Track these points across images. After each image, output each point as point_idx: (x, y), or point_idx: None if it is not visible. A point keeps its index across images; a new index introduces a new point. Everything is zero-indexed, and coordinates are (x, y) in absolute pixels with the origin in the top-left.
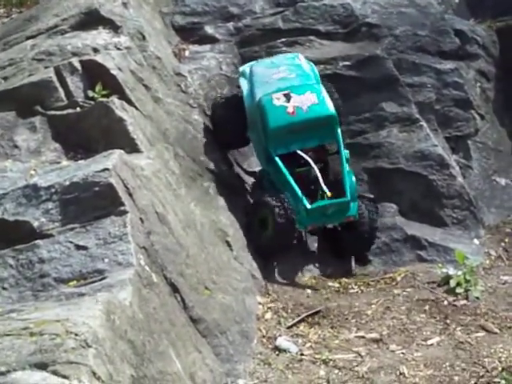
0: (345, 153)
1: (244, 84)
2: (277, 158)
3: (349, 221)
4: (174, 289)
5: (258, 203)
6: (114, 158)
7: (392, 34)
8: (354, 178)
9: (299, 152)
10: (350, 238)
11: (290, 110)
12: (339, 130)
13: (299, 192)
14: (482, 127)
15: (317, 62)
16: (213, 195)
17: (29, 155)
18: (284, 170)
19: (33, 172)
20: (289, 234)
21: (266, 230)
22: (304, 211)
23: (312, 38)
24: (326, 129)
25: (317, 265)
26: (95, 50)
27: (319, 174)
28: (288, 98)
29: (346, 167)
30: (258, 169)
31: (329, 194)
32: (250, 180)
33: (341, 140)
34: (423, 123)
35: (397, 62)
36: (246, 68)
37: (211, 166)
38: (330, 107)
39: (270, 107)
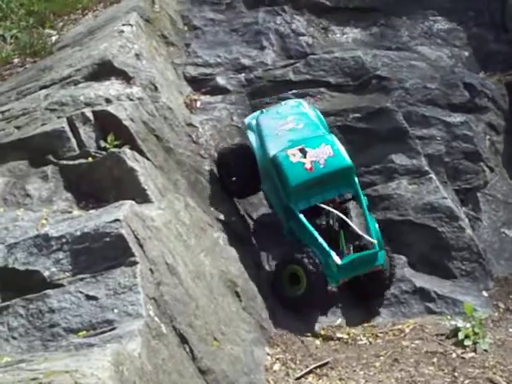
0: (364, 200)
1: (252, 137)
2: (301, 215)
3: (376, 270)
4: (183, 340)
5: (287, 259)
6: (124, 208)
7: (402, 87)
8: (377, 225)
9: (322, 205)
10: (372, 286)
11: (308, 165)
12: (356, 179)
13: (327, 247)
14: (491, 180)
15: (327, 114)
16: (222, 246)
17: (40, 204)
18: (308, 225)
19: (44, 221)
20: (322, 288)
21: (298, 286)
22: (335, 266)
23: (323, 89)
24: (344, 179)
25: (325, 316)
26: (108, 101)
27: (350, 222)
28: (304, 153)
29: (368, 214)
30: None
31: (374, 241)
32: (259, 230)
33: (359, 188)
34: (432, 175)
35: (406, 115)
36: (251, 120)
37: (221, 216)
38: (347, 158)
39: (287, 164)
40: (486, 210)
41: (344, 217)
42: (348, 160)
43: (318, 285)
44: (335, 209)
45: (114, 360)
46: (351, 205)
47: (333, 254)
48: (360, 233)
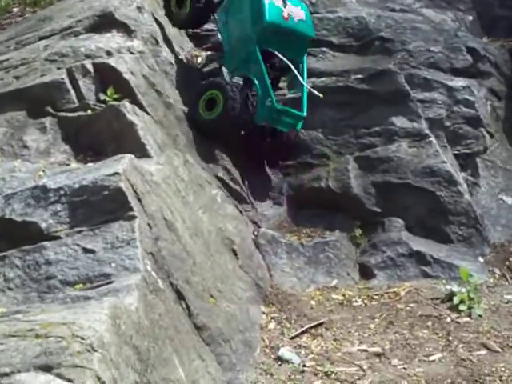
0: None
1: None
2: (258, 50)
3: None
4: (180, 296)
5: (209, 84)
6: (124, 162)
7: (405, 49)
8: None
9: (279, 54)
10: (278, 152)
11: (285, 15)
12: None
13: (271, 88)
14: (491, 146)
15: (329, 74)
16: (220, 203)
17: (38, 156)
18: (262, 63)
19: (41, 173)
20: (237, 116)
21: (213, 111)
22: (268, 108)
23: (325, 49)
24: (302, 46)
25: (321, 277)
26: (108, 53)
27: (300, 78)
28: (285, 4)
29: (306, 87)
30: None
31: (321, 96)
32: (258, 188)
33: (306, 61)
34: (433, 139)
35: (408, 77)
36: None
37: (220, 173)
38: (314, 30)
39: (270, 3)
40: (485, 176)
41: (293, 68)
42: (314, 32)
43: (232, 112)
44: (278, 68)
45: (112, 313)
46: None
47: (273, 94)
48: (305, 83)
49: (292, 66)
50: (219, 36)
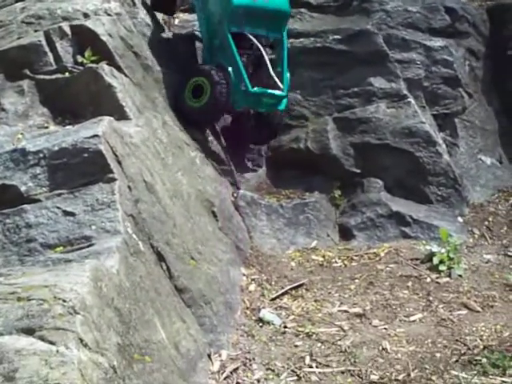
0: (287, 49)
1: None
2: (229, 35)
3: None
4: (160, 258)
5: (195, 70)
6: (103, 124)
7: (383, 9)
8: (289, 76)
9: (250, 35)
10: (263, 131)
11: None
12: (286, 28)
13: (244, 72)
14: (469, 106)
15: (307, 35)
16: (199, 165)
17: (16, 119)
18: (234, 47)
19: (20, 136)
20: (224, 102)
21: (200, 98)
22: (243, 92)
23: (303, 10)
24: (277, 23)
25: (301, 238)
26: (85, 15)
27: (268, 61)
28: None
29: (286, 64)
30: None
31: (281, 86)
32: (237, 150)
33: (286, 37)
34: (411, 100)
35: (387, 38)
36: None
37: (199, 135)
38: (288, 4)
39: None
40: (464, 136)
41: (263, 50)
42: (289, 6)
43: (220, 97)
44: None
45: (93, 276)
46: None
47: (247, 79)
48: (273, 74)
49: (260, 47)
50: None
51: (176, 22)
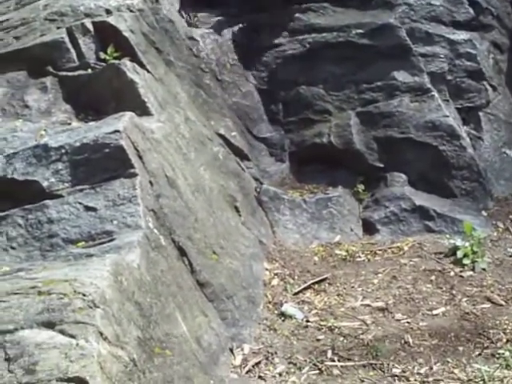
0: None
1: None
2: None
3: None
4: (182, 252)
5: None
6: (124, 120)
7: (406, 3)
8: None
9: None
10: None
11: None
12: None
13: None
14: (493, 99)
15: (330, 30)
16: (222, 160)
17: (39, 115)
18: None
19: (43, 132)
20: None
21: None
22: None
23: (326, 4)
24: None
25: (324, 233)
26: (108, 12)
27: None
28: None
29: None
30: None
31: None
32: (259, 146)
33: None
34: (435, 93)
35: (410, 31)
36: None
37: (221, 130)
38: None
39: None
40: (488, 130)
41: None
42: None
43: None
44: None
45: (113, 270)
46: None
47: None
48: None
49: None
50: None
51: (199, 17)
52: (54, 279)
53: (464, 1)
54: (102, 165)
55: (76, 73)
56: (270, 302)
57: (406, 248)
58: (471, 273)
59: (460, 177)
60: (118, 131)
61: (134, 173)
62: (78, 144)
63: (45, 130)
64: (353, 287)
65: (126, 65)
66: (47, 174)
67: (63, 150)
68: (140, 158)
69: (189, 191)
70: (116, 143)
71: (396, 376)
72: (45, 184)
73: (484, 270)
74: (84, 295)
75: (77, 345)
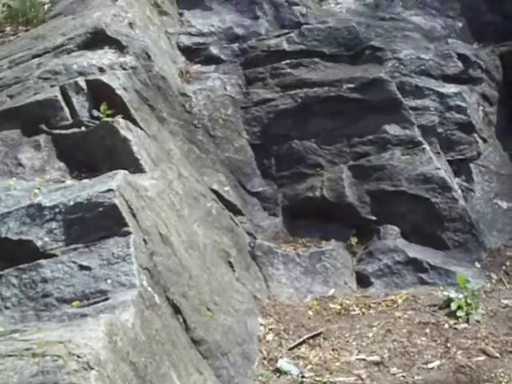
0: None
1: None
2: None
3: None
4: (176, 310)
5: None
6: (118, 178)
7: (396, 57)
8: None
9: None
10: None
11: None
12: None
13: None
14: (484, 151)
15: (321, 84)
16: (216, 216)
17: (33, 173)
18: None
19: (37, 191)
20: None
21: None
22: None
23: (316, 59)
24: None
25: (318, 286)
26: (101, 70)
27: None
28: None
29: None
30: (261, 189)
31: None
32: (252, 200)
33: None
34: (426, 146)
35: (400, 85)
36: None
37: (214, 186)
38: None
39: None
40: (479, 181)
41: None
42: None
43: None
44: None
45: (108, 330)
46: None
47: None
48: None
49: None
50: None
51: (191, 74)
52: (49, 341)
53: (453, 54)
54: (95, 223)
55: (69, 131)
56: (265, 358)
57: (400, 301)
58: (465, 325)
59: (452, 228)
60: (111, 190)
61: (127, 231)
62: (71, 203)
63: (38, 189)
64: (347, 341)
65: (119, 122)
66: (41, 233)
67: (57, 209)
68: (134, 216)
69: (182, 248)
70: (110, 202)
71: None
72: (39, 243)
73: (478, 321)
74: (79, 357)
75: None
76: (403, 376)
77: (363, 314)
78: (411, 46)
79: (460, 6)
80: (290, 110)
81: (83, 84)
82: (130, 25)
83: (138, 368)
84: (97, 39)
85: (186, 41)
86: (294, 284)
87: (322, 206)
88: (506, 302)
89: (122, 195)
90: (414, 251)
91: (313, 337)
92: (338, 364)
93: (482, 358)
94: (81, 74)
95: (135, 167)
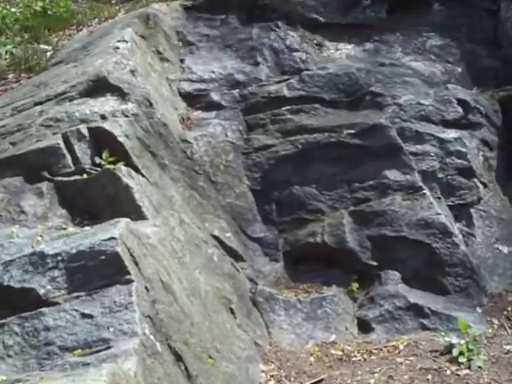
0: None
1: None
2: None
3: None
4: (178, 358)
5: None
6: (120, 226)
7: (396, 103)
8: None
9: None
10: None
11: None
12: None
13: None
14: (484, 195)
15: (321, 130)
16: (217, 262)
17: (35, 221)
18: None
19: (39, 238)
20: None
21: None
22: None
23: (317, 105)
24: None
25: (320, 332)
26: (103, 117)
27: None
28: None
29: None
30: (262, 234)
31: None
32: (253, 246)
33: None
34: (426, 191)
35: (400, 131)
36: None
37: (216, 232)
38: None
39: None
40: (480, 226)
41: None
42: None
43: None
44: None
45: (110, 380)
46: None
47: None
48: None
49: None
50: None
51: (192, 120)
52: None
53: (453, 100)
54: (98, 272)
55: (71, 178)
56: None
57: (401, 347)
58: (467, 371)
59: (453, 274)
60: (113, 238)
61: (129, 279)
62: (74, 251)
63: (41, 236)
64: None
65: (121, 170)
66: (44, 281)
67: (60, 257)
68: (136, 264)
69: (184, 295)
70: (112, 250)
71: None
72: (41, 291)
73: (480, 367)
74: None
75: None
76: None
77: (365, 360)
78: (411, 92)
79: (459, 52)
80: (291, 155)
81: (85, 131)
82: (132, 72)
83: None
84: (99, 86)
85: (187, 87)
86: (295, 330)
87: (323, 251)
88: (508, 347)
89: (124, 243)
90: (415, 296)
91: (314, 383)
92: None
93: None
94: (83, 121)
95: (137, 214)
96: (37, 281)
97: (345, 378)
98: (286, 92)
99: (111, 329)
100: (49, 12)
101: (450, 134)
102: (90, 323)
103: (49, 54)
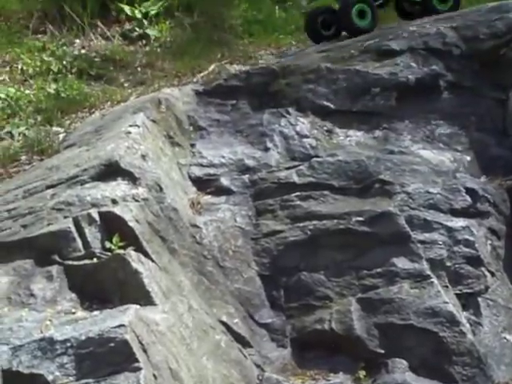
0: None
1: None
2: None
3: None
4: None
5: None
6: (129, 313)
7: (404, 191)
8: None
9: None
10: None
11: None
12: None
13: None
14: (492, 284)
15: (330, 217)
16: (224, 348)
17: (44, 304)
18: None
19: (48, 323)
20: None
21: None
22: None
23: (326, 192)
24: None
25: None
26: (114, 202)
27: None
28: None
29: None
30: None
31: None
32: (261, 332)
33: None
34: (434, 280)
35: (409, 219)
36: None
37: (223, 318)
38: None
39: None
40: (487, 315)
41: None
42: None
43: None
44: None
45: None
46: None
47: None
48: None
49: None
50: None
51: (202, 205)
52: None
53: (461, 189)
54: (106, 359)
55: (81, 262)
56: None
57: None
58: None
59: (461, 363)
60: (123, 325)
61: (138, 367)
62: (83, 338)
63: (50, 321)
64: None
65: (131, 255)
66: (52, 367)
67: (68, 344)
68: (144, 351)
69: (192, 383)
70: (121, 338)
71: None
72: (50, 378)
73: None
74: None
75: None
76: None
77: None
78: (420, 180)
79: (468, 141)
80: (300, 242)
81: (96, 216)
82: (143, 157)
83: None
84: (110, 171)
85: (197, 172)
86: None
87: (330, 338)
88: None
89: (133, 331)
90: None
91: None
92: None
93: None
94: (94, 205)
95: (146, 300)
96: (45, 367)
97: None
98: (295, 178)
99: None
100: (62, 94)
101: (458, 222)
102: None
103: (61, 136)
